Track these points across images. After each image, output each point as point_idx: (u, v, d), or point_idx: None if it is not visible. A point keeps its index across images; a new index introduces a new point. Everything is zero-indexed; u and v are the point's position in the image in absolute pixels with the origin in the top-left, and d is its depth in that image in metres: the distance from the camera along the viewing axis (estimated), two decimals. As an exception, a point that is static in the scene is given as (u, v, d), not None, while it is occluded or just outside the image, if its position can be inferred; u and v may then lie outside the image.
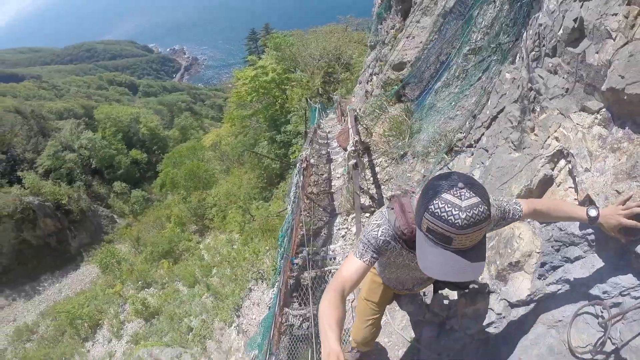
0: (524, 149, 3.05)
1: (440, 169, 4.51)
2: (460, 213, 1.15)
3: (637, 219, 1.61)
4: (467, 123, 4.49)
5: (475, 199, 1.17)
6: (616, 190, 1.88)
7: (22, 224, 21.65)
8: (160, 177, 29.14)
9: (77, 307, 15.11)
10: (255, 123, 20.04)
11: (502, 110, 3.70)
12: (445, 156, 4.53)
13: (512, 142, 3.26)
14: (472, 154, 4.08)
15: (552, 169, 2.58)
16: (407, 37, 7.67)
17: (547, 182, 2.57)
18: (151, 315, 13.10)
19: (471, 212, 1.15)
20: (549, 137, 2.74)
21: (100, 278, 19.18)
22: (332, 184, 7.32)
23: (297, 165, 6.73)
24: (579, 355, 1.90)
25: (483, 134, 3.98)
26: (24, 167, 26.13)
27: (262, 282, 7.84)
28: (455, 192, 1.19)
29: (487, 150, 3.74)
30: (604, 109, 2.24)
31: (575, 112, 2.54)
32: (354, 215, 5.10)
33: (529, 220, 2.46)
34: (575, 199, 2.26)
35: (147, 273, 16.36)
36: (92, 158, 31.22)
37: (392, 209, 1.58)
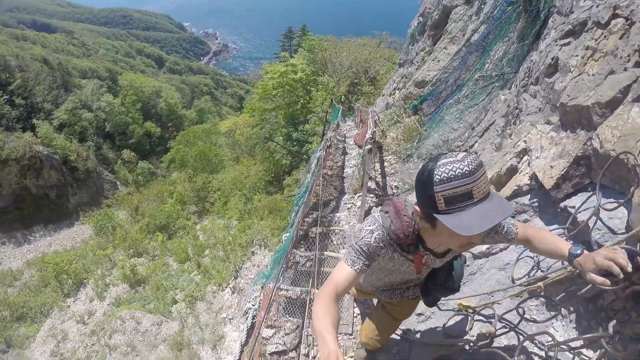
0: (502, 149, 4.00)
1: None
2: (461, 164, 1.20)
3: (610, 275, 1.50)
4: (467, 133, 5.46)
5: (463, 153, 1.25)
6: (550, 166, 2.83)
7: (27, 171, 21.93)
8: (171, 153, 29.72)
9: (65, 262, 15.30)
10: (274, 118, 20.73)
11: (493, 123, 4.68)
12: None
13: (495, 145, 4.22)
14: (465, 158, 5.04)
15: (518, 162, 3.53)
16: (433, 60, 8.74)
17: (512, 171, 3.51)
18: (137, 283, 13.37)
19: (469, 158, 1.21)
20: (519, 140, 3.69)
21: (92, 239, 19.37)
22: (345, 171, 8.38)
23: (322, 143, 8.00)
24: (517, 282, 2.78)
25: (476, 141, 4.94)
26: (40, 117, 26.68)
27: (265, 248, 8.70)
28: (445, 157, 1.26)
29: (476, 152, 4.69)
30: (558, 121, 3.21)
31: (541, 124, 3.50)
32: (360, 194, 6.09)
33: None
34: (525, 180, 3.21)
35: (140, 242, 16.39)
36: (108, 122, 31.93)
37: (387, 212, 1.58)
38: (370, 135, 5.81)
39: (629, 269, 1.34)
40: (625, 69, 2.49)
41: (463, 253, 2.16)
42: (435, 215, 1.28)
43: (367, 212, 5.76)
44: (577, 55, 3.14)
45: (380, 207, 1.76)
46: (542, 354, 2.20)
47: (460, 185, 1.20)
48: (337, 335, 1.29)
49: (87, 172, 25.72)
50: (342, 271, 1.52)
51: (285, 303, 4.60)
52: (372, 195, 5.81)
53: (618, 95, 2.44)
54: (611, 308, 1.95)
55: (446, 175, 1.22)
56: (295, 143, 18.67)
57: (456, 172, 1.20)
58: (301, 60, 21.73)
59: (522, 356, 2.17)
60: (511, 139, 3.90)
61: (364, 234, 1.58)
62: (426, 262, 1.69)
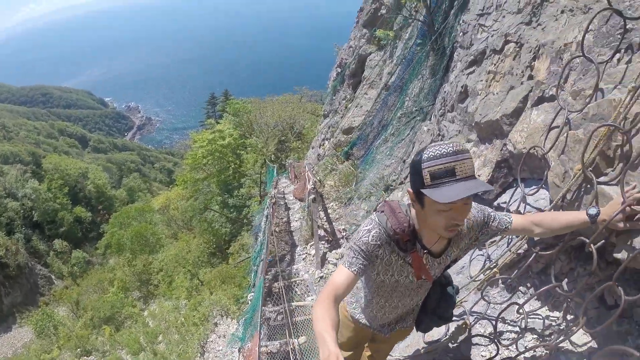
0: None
1: (373, 202, 5.70)
2: (447, 146, 1.31)
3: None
4: (399, 167, 5.81)
5: (452, 141, 1.36)
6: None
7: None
8: (106, 238, 27.93)
9: (7, 374, 13.32)
10: (207, 187, 20.55)
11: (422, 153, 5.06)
12: (384, 193, 5.74)
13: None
14: (403, 189, 5.31)
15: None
16: (355, 106, 9.37)
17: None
18: (93, 386, 11.78)
19: (455, 143, 1.32)
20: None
21: (34, 343, 17.61)
22: (291, 225, 8.41)
23: (268, 201, 8.04)
24: (475, 279, 2.88)
25: (409, 172, 5.29)
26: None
27: (227, 317, 8.20)
28: (434, 143, 1.38)
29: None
30: (476, 137, 3.56)
31: (463, 143, 3.87)
32: (312, 242, 6.14)
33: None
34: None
35: (87, 340, 15.28)
36: (35, 210, 29.59)
37: (382, 212, 1.61)
38: (312, 186, 6.03)
39: None
40: (522, 83, 2.90)
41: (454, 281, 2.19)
42: (421, 190, 1.37)
43: (323, 258, 5.78)
44: (481, 80, 3.59)
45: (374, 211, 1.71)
46: (517, 329, 2.31)
47: (444, 162, 1.30)
48: (336, 337, 1.30)
49: (18, 268, 23.25)
50: (341, 273, 1.52)
51: (268, 359, 4.39)
52: (323, 242, 5.89)
53: (519, 104, 2.81)
54: (561, 272, 2.15)
55: (433, 153, 1.33)
56: (232, 209, 18.43)
57: (442, 151, 1.32)
58: (228, 125, 21.86)
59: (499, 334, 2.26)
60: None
61: (361, 234, 1.58)
62: (425, 266, 1.66)
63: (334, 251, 5.73)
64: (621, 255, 1.70)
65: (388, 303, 1.84)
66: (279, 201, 10.50)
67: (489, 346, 2.43)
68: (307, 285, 5.36)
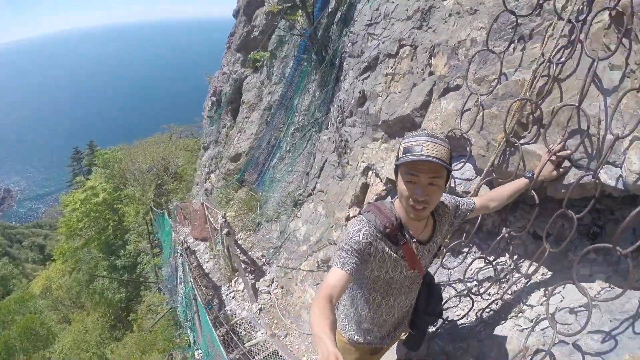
0: (346, 176, 4.50)
1: (291, 220, 5.67)
2: (423, 131, 1.51)
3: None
4: (303, 180, 5.91)
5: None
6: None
7: None
8: None
9: None
10: (88, 254, 18.09)
11: (326, 161, 5.24)
12: (294, 209, 5.75)
13: (337, 176, 4.71)
14: (313, 199, 5.41)
15: (366, 179, 4.02)
16: (239, 132, 9.26)
17: (365, 187, 3.97)
18: None
19: (431, 131, 1.52)
20: (358, 163, 4.25)
21: None
22: (204, 267, 7.76)
23: (178, 248, 7.28)
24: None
25: (317, 182, 5.41)
26: None
27: None
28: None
29: (322, 191, 5.11)
30: (384, 134, 3.86)
31: (370, 143, 4.14)
32: (236, 278, 5.75)
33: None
34: (380, 187, 3.70)
35: None
36: None
37: (369, 211, 1.67)
38: (224, 219, 5.75)
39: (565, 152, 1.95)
40: (424, 79, 3.27)
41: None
42: (396, 164, 1.55)
43: (254, 289, 5.46)
44: (379, 83, 3.93)
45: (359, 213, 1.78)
46: (475, 282, 2.57)
47: (415, 141, 1.48)
48: (335, 337, 1.31)
49: None
50: (334, 274, 1.52)
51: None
52: (247, 274, 5.57)
53: (426, 98, 3.16)
54: (494, 226, 2.56)
55: (411, 135, 1.52)
56: (122, 271, 16.70)
57: (417, 134, 1.50)
58: (99, 180, 20.13)
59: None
60: (350, 165, 4.44)
61: (352, 235, 1.59)
62: (417, 256, 1.71)
63: (261, 280, 5.48)
64: (554, 192, 2.08)
65: (385, 301, 1.85)
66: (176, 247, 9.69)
67: (459, 305, 2.63)
68: (250, 322, 5.00)
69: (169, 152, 22.76)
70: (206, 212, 7.51)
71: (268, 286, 5.21)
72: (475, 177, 2.63)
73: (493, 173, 2.40)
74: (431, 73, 3.22)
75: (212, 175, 11.45)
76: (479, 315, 2.46)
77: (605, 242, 1.77)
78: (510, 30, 2.44)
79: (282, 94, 7.24)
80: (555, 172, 1.99)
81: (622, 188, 1.80)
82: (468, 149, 2.63)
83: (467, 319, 2.53)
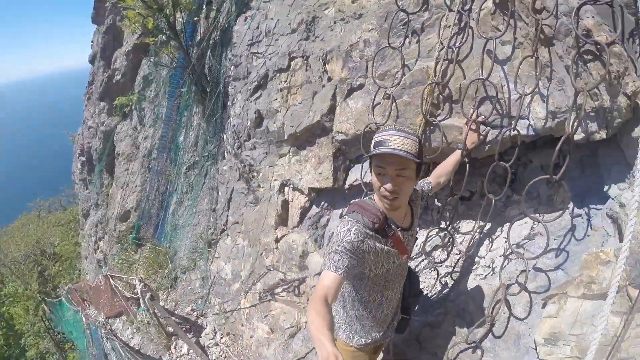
0: (260, 200, 4.31)
1: (211, 263, 5.21)
2: (391, 128, 1.59)
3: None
4: (211, 218, 5.50)
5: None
6: (319, 173, 3.32)
7: None
8: None
9: None
10: None
11: (233, 191, 4.96)
12: (210, 250, 5.29)
13: (251, 203, 4.49)
14: (229, 234, 5.05)
15: (284, 196, 3.90)
16: (121, 188, 8.28)
17: (285, 204, 3.84)
18: None
19: (398, 128, 1.59)
20: (271, 182, 4.11)
21: None
22: (131, 344, 6.54)
23: (102, 333, 6.00)
24: None
25: (227, 216, 5.08)
26: None
27: None
28: None
29: (237, 223, 4.81)
30: (292, 148, 3.79)
31: (277, 160, 4.04)
32: (174, 343, 4.96)
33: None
34: (302, 199, 3.62)
35: None
36: None
37: (354, 211, 1.69)
38: (142, 283, 4.99)
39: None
40: (324, 86, 3.32)
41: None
42: (369, 156, 1.64)
43: (201, 347, 4.76)
44: (276, 99, 3.88)
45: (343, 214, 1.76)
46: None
47: (383, 135, 1.58)
48: (333, 337, 1.33)
49: None
50: (327, 276, 1.52)
51: None
52: (189, 335, 4.84)
53: (332, 102, 3.20)
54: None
55: (382, 130, 1.64)
56: None
57: (386, 129, 1.62)
58: None
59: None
60: (262, 187, 4.27)
61: (343, 236, 1.59)
62: (404, 243, 1.77)
63: (203, 334, 4.83)
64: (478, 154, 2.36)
65: (384, 297, 1.88)
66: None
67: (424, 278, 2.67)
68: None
69: (41, 233, 19.98)
70: (113, 283, 6.49)
71: (212, 338, 4.65)
72: None
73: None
74: (330, 79, 3.29)
75: (101, 243, 10.02)
76: (442, 282, 2.62)
77: (519, 186, 2.15)
78: (401, 27, 2.67)
79: (162, 136, 6.71)
80: (477, 137, 2.24)
81: (533, 133, 2.10)
82: None
83: (434, 289, 2.62)
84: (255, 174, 4.46)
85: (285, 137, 3.73)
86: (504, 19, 2.19)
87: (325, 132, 3.31)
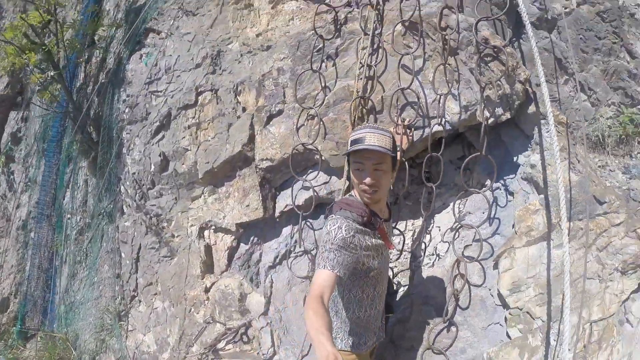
0: (177, 251, 3.91)
1: (126, 339, 4.47)
2: (367, 126, 1.74)
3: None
4: (116, 286, 4.79)
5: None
6: (246, 206, 3.17)
7: None
8: None
9: None
10: None
11: (140, 248, 4.43)
12: (122, 323, 4.55)
13: (166, 256, 4.04)
14: (141, 300, 4.42)
15: (208, 239, 3.60)
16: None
17: (208, 247, 3.54)
18: None
19: (372, 126, 1.73)
20: (187, 230, 3.77)
21: None
22: None
23: None
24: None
25: (137, 279, 4.49)
26: None
27: None
28: None
29: (151, 284, 4.27)
30: (207, 186, 3.55)
31: (191, 204, 3.75)
32: None
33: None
34: (228, 239, 3.39)
35: None
36: None
37: (341, 208, 1.73)
38: None
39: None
40: (239, 117, 3.25)
41: None
42: (346, 155, 1.77)
43: None
44: (184, 138, 3.65)
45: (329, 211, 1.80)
46: None
47: (359, 133, 1.69)
48: (331, 337, 1.35)
49: None
50: (322, 275, 1.53)
51: None
52: None
53: (251, 131, 3.15)
54: None
55: (357, 129, 1.76)
56: None
57: (362, 127, 1.76)
58: None
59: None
60: (177, 236, 3.91)
61: (334, 234, 1.61)
62: (388, 234, 1.88)
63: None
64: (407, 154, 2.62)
65: (376, 291, 1.89)
66: None
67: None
68: None
69: None
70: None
71: None
72: (330, 178, 2.85)
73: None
74: (244, 109, 3.24)
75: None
76: (396, 282, 2.74)
77: (433, 181, 2.44)
78: (316, 53, 2.84)
79: (38, 201, 5.77)
80: (407, 139, 2.45)
81: (450, 127, 2.40)
82: (316, 157, 2.81)
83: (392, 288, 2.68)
84: (166, 224, 4.06)
85: (201, 176, 3.50)
86: (414, 38, 2.51)
87: (247, 163, 3.20)
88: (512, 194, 2.34)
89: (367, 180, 1.66)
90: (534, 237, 2.09)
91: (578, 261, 1.90)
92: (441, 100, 2.34)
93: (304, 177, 2.89)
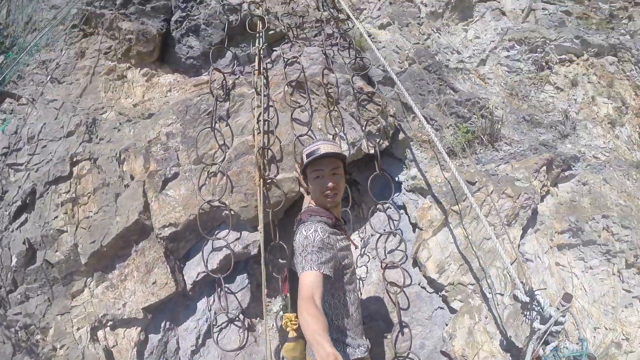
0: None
1: None
2: (319, 140, 1.96)
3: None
4: None
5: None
6: (154, 283, 2.94)
7: None
8: None
9: None
10: None
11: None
12: None
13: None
14: None
15: (105, 338, 3.08)
16: None
17: (108, 351, 3.02)
18: None
19: (324, 139, 1.88)
20: (74, 333, 3.10)
21: None
22: None
23: None
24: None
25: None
26: None
27: None
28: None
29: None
30: (88, 279, 3.15)
31: (71, 302, 3.17)
32: None
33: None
34: (133, 333, 3.04)
35: None
36: None
37: (310, 215, 1.85)
38: None
39: None
40: (127, 185, 3.08)
41: None
42: (304, 167, 1.93)
43: None
44: (56, 217, 3.22)
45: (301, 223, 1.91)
46: None
47: (314, 147, 1.90)
48: (329, 338, 1.37)
49: None
50: (310, 276, 1.59)
51: None
52: None
53: (144, 198, 3.02)
54: None
55: (309, 145, 1.97)
56: None
57: (314, 142, 2.00)
58: None
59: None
60: (62, 347, 3.26)
61: (312, 237, 1.71)
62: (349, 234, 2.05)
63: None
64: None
65: (354, 291, 1.96)
66: None
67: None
68: None
69: None
70: None
71: None
72: (241, 234, 2.90)
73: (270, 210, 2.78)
74: (132, 177, 3.11)
75: None
76: None
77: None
78: (206, 116, 3.01)
79: None
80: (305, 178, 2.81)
81: (354, 152, 2.89)
82: (224, 213, 2.86)
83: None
84: (40, 335, 3.36)
85: (85, 260, 3.09)
86: (300, 95, 2.95)
87: (145, 234, 3.00)
88: (403, 207, 2.90)
89: (330, 184, 1.86)
90: (436, 226, 2.67)
91: (475, 230, 2.54)
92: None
93: (214, 237, 2.86)
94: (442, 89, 2.98)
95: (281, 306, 2.21)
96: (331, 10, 3.51)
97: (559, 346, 1.63)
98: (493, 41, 3.24)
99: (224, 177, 2.81)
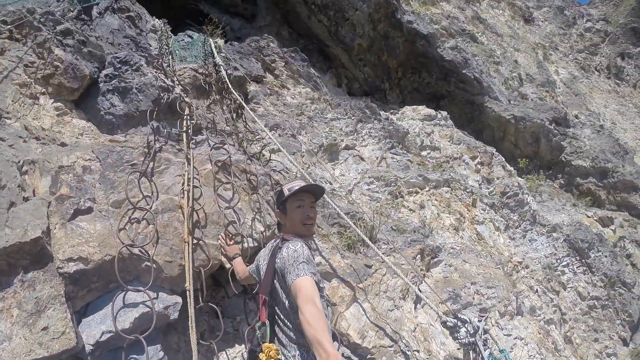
0: None
1: None
2: (297, 179, 2.23)
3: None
4: None
5: None
6: (44, 330, 2.69)
7: None
8: None
9: None
10: None
11: None
12: None
13: None
14: None
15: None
16: None
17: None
18: None
19: (301, 179, 2.21)
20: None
21: None
22: None
23: None
24: None
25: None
26: None
27: None
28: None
29: None
30: None
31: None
32: None
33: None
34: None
35: None
36: None
37: (292, 236, 2.09)
38: None
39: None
40: (27, 199, 2.94)
41: None
42: (283, 201, 2.33)
43: None
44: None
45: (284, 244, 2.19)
46: None
47: (294, 184, 2.34)
48: (331, 338, 1.52)
49: None
50: (307, 281, 1.80)
51: None
52: None
53: (48, 221, 2.92)
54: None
55: (288, 182, 2.49)
56: None
57: (293, 180, 2.79)
58: None
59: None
60: None
61: (301, 250, 2.04)
62: None
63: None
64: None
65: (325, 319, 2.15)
66: None
67: None
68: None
69: None
70: None
71: None
72: (159, 294, 2.86)
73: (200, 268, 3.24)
74: (34, 192, 2.95)
75: None
76: None
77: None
78: (129, 166, 3.32)
79: None
80: (236, 247, 3.32)
81: (257, 244, 3.62)
82: (144, 265, 2.88)
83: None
84: None
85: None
86: (225, 176, 3.79)
87: (40, 263, 2.57)
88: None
89: (311, 213, 2.24)
90: (347, 301, 3.60)
91: (379, 304, 3.72)
92: (250, 223, 3.69)
93: (131, 287, 2.73)
94: (325, 204, 4.32)
95: (259, 335, 2.01)
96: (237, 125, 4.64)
97: (491, 352, 2.90)
98: (356, 178, 4.93)
99: (149, 226, 3.05)
